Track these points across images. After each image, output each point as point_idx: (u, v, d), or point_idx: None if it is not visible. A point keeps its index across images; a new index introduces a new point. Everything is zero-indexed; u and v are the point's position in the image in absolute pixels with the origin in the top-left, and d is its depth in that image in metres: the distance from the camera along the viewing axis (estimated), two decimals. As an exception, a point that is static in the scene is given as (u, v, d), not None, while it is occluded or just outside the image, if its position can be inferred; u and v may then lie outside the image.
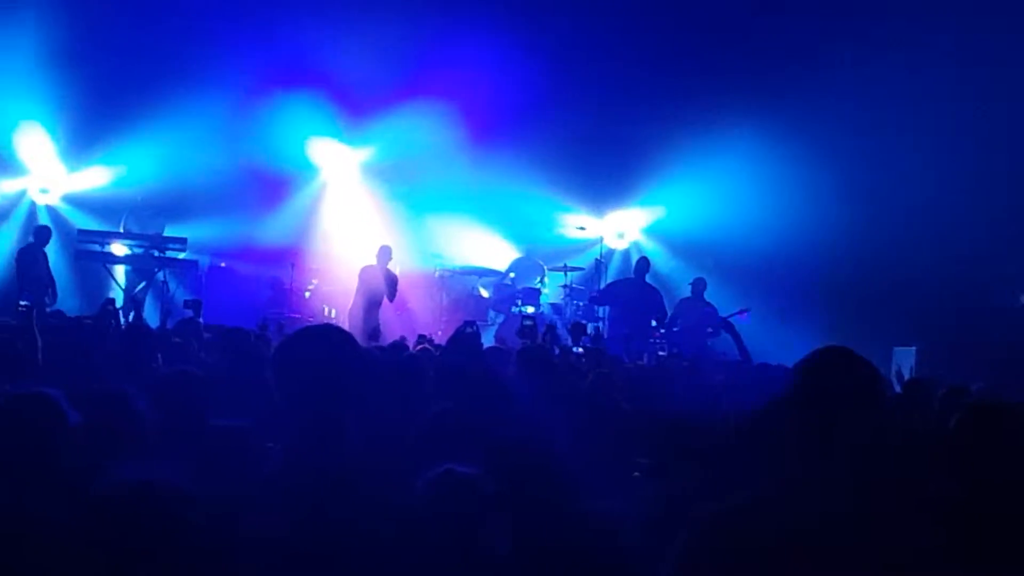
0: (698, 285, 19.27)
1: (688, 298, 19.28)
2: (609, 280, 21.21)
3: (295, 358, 4.18)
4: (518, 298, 20.80)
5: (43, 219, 20.30)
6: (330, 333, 4.34)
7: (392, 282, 17.73)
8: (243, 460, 5.17)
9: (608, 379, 8.72)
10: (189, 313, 13.04)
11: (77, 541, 3.55)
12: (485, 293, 21.91)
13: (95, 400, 5.13)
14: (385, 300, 17.73)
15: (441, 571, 4.09)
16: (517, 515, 4.40)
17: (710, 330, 17.58)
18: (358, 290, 17.60)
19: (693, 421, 5.68)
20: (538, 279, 21.66)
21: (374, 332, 14.49)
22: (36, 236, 18.44)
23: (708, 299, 18.83)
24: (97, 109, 20.00)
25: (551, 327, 13.24)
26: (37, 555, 3.85)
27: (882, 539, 3.48)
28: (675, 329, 18.15)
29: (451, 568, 4.10)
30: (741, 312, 13.34)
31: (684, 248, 22.73)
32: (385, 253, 17.96)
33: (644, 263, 19.39)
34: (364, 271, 17.79)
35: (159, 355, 9.22)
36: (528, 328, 13.12)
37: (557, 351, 12.62)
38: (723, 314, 15.50)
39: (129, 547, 3.38)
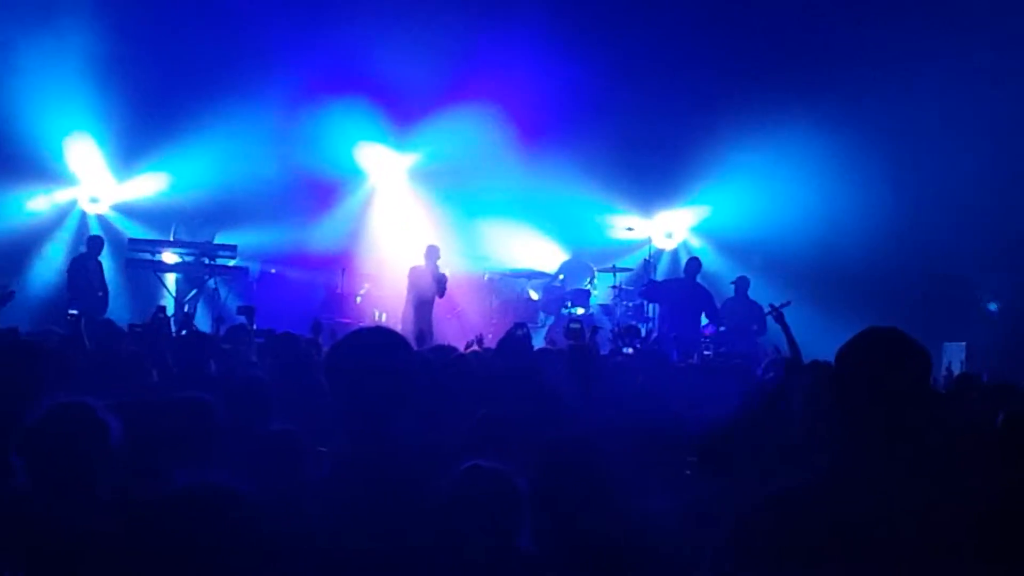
0: (741, 284, 19.25)
1: (732, 298, 19.24)
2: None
3: (347, 360, 4.21)
4: (568, 300, 20.79)
5: (93, 229, 20.40)
6: (381, 335, 4.36)
7: (441, 280, 17.82)
8: (295, 464, 5.22)
9: (657, 378, 8.73)
10: (242, 319, 13.09)
11: (126, 546, 3.58)
12: (535, 295, 21.91)
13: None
14: (437, 302, 17.82)
15: (475, 568, 4.11)
16: (561, 514, 4.42)
17: (755, 328, 17.56)
18: (408, 291, 17.69)
19: (744, 419, 5.69)
20: (587, 280, 21.62)
21: (421, 335, 14.54)
22: (88, 246, 18.68)
23: (755, 297, 18.73)
24: (145, 118, 20.06)
25: (595, 328, 13.26)
26: (77, 562, 3.91)
27: (924, 531, 3.47)
28: (722, 329, 18.09)
29: (484, 565, 4.12)
30: (784, 305, 13.31)
31: (733, 247, 22.60)
32: (433, 252, 18.12)
33: (695, 264, 19.25)
34: (413, 271, 17.91)
35: (212, 362, 9.30)
36: (575, 330, 13.16)
37: (608, 350, 12.67)
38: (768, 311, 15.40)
39: (180, 550, 3.41)
